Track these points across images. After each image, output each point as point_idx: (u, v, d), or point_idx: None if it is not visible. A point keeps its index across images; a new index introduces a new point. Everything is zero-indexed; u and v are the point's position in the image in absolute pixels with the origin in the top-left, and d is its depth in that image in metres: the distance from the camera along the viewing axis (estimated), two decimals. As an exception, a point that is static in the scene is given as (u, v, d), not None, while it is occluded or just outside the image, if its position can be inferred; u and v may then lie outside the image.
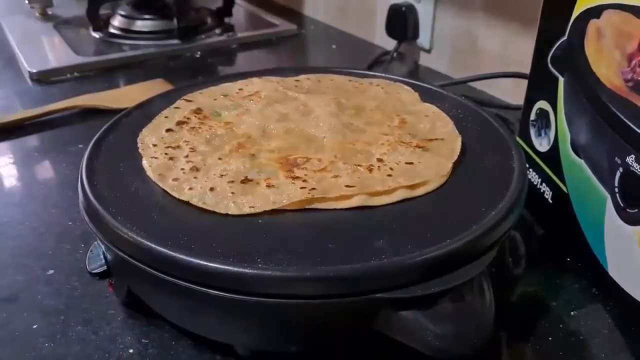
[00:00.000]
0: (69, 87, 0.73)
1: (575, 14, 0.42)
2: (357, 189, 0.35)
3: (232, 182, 0.36)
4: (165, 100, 0.48)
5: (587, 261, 0.42)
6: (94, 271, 0.37)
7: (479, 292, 0.32)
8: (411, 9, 0.76)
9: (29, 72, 0.75)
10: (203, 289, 0.31)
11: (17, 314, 0.38)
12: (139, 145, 0.41)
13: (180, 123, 0.43)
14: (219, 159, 0.38)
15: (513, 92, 0.66)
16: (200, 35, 0.88)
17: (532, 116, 0.50)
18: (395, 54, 0.79)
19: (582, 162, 0.43)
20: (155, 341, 0.36)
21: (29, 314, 0.38)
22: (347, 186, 0.35)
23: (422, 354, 0.31)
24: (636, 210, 0.37)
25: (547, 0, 0.46)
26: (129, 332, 0.37)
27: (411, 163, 0.38)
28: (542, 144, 0.48)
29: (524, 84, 0.52)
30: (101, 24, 0.88)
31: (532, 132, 0.50)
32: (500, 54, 0.68)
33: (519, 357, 0.36)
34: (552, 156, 0.47)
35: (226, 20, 0.94)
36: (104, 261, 0.37)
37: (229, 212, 0.34)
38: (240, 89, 0.49)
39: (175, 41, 0.85)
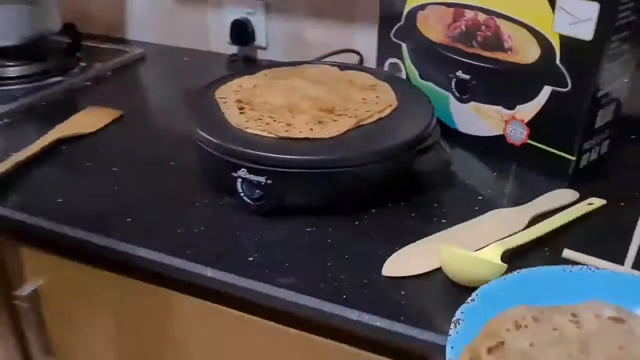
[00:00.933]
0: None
1: (407, 9, 0.83)
2: (370, 113, 0.69)
3: (315, 124, 0.66)
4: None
5: (446, 131, 0.84)
6: (255, 197, 0.63)
7: (444, 147, 0.70)
8: (248, 20, 1.08)
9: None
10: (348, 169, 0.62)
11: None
12: (231, 120, 0.67)
13: (241, 107, 0.69)
14: (292, 117, 0.67)
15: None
16: (74, 70, 1.03)
17: (386, 67, 0.89)
18: (242, 56, 1.09)
19: (429, 83, 0.84)
20: (313, 224, 0.64)
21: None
22: (367, 112, 0.69)
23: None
24: (466, 96, 0.80)
25: (384, 4, 0.86)
26: (283, 229, 0.64)
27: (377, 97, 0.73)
28: (398, 82, 0.88)
29: (351, 56, 0.92)
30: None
31: (388, 77, 0.90)
32: (323, 44, 1.06)
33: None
34: (408, 85, 0.87)
35: (77, 54, 1.09)
36: (259, 190, 0.63)
37: (327, 136, 0.64)
38: (243, 85, 0.76)
39: (59, 78, 0.99)
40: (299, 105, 0.71)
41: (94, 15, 1.22)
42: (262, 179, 0.62)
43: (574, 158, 0.71)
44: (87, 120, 0.85)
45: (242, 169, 0.63)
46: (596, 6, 0.63)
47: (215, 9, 1.12)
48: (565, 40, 0.67)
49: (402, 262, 0.58)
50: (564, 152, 0.72)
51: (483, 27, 0.75)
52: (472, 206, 0.68)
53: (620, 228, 0.60)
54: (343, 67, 0.84)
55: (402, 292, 0.55)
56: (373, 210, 0.67)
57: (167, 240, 0.61)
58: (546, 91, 0.71)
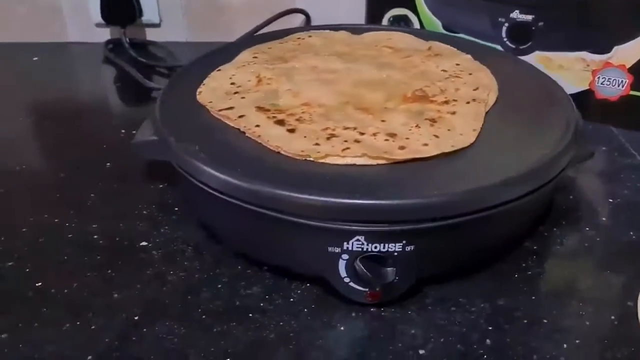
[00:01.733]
0: None
1: None
2: (485, 90, 0.43)
3: (430, 124, 0.38)
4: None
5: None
6: (379, 281, 0.33)
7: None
8: (127, -14, 0.71)
9: None
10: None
11: None
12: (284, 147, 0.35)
13: (279, 121, 0.38)
14: (382, 121, 0.38)
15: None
16: None
17: (385, 22, 0.62)
18: (127, 39, 0.72)
19: (460, 36, 0.59)
20: (468, 302, 0.37)
21: None
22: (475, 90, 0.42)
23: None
24: (528, 44, 0.57)
25: None
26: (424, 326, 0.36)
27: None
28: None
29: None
30: None
31: (390, 36, 0.62)
32: (246, 4, 0.74)
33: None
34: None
35: None
36: (390, 267, 0.33)
37: (469, 142, 0.37)
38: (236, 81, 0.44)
39: None
40: (365, 97, 0.41)
41: None
42: (397, 247, 0.33)
43: None
44: None
45: (356, 238, 0.33)
46: None
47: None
48: None
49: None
50: (692, 98, 0.53)
51: (562, -60, 0.52)
52: (634, 197, 0.46)
53: None
54: (350, 29, 0.55)
55: None
56: (527, 244, 0.41)
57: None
58: (665, 19, 0.51)
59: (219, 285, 0.38)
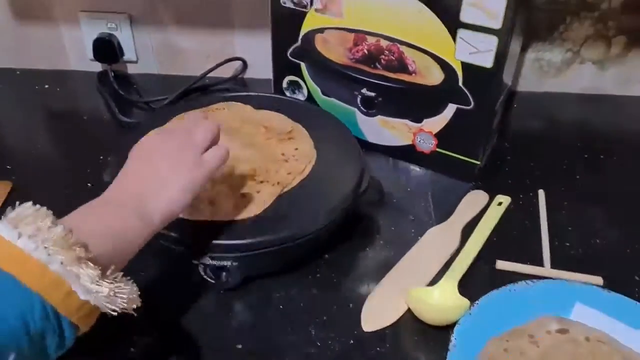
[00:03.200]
0: None
1: (304, 31, 0.82)
2: (292, 176, 0.71)
3: (239, 197, 0.66)
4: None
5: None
6: (219, 279, 0.63)
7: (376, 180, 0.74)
8: (112, 36, 0.98)
9: None
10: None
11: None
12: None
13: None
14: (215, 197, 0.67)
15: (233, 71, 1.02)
16: None
17: (284, 84, 0.89)
18: (112, 73, 1.00)
19: (332, 99, 0.86)
20: (277, 288, 0.67)
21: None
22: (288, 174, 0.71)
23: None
24: (373, 110, 0.84)
25: (275, 27, 0.84)
26: (250, 300, 0.66)
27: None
28: (299, 96, 0.89)
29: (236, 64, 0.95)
30: None
31: (288, 92, 0.90)
32: (199, 50, 1.01)
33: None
34: (310, 100, 0.88)
35: None
36: (224, 272, 0.63)
37: (251, 214, 0.66)
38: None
39: None
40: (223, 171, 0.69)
41: None
42: (226, 263, 0.63)
43: (479, 162, 0.80)
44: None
45: (206, 257, 0.63)
46: (495, 39, 0.69)
47: (69, 26, 1.00)
48: (466, 67, 0.73)
49: (376, 311, 0.64)
50: (470, 157, 0.80)
51: (386, 51, 0.78)
52: (408, 226, 0.75)
53: (526, 222, 0.76)
54: (256, 106, 0.82)
55: (388, 345, 0.61)
56: (327, 256, 0.70)
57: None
58: (451, 108, 0.77)
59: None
